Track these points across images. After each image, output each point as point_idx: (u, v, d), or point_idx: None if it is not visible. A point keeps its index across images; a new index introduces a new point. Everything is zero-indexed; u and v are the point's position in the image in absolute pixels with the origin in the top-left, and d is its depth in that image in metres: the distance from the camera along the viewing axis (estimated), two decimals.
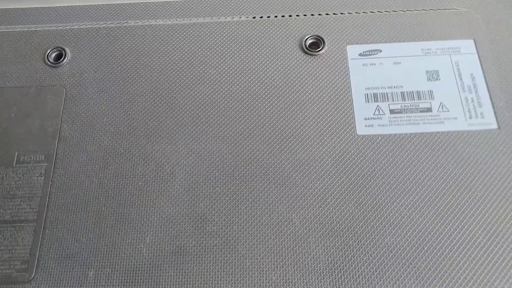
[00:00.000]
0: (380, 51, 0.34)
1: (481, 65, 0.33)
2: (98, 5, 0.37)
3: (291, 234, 0.28)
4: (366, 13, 0.35)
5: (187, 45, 0.35)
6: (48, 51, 0.34)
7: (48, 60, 0.34)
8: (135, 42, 0.35)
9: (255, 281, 0.28)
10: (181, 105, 0.33)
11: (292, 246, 0.28)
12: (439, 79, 0.33)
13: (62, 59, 0.34)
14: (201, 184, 0.30)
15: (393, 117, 0.31)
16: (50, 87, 0.34)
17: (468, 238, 0.28)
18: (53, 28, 0.36)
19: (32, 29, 0.36)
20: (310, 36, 0.34)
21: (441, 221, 0.28)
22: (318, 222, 0.29)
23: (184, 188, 0.30)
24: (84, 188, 0.31)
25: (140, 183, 0.31)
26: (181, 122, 0.32)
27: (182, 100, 0.33)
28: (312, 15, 0.36)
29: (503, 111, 0.31)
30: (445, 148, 0.30)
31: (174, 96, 0.33)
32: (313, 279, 0.27)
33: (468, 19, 0.35)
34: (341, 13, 0.35)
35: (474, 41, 0.34)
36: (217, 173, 0.30)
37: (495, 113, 0.31)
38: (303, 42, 0.34)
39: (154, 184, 0.30)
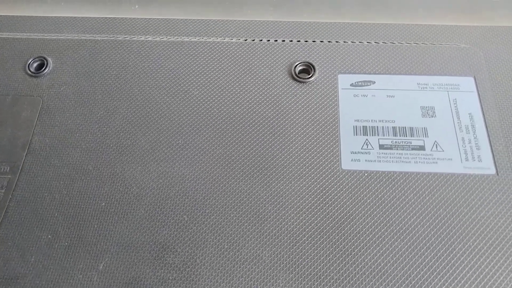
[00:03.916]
0: (374, 82, 0.32)
1: (480, 104, 0.31)
2: (86, 17, 0.36)
3: (259, 273, 0.25)
4: (362, 43, 0.34)
5: (172, 63, 0.33)
6: (30, 61, 0.33)
7: (29, 69, 0.33)
8: (120, 56, 0.34)
9: None
10: (158, 125, 0.31)
11: (259, 287, 0.25)
12: (435, 116, 0.30)
13: (43, 69, 0.33)
14: (168, 210, 0.28)
15: (382, 153, 0.29)
16: (26, 97, 0.32)
17: None
18: (39, 37, 0.35)
19: (18, 36, 0.35)
20: (301, 63, 0.33)
21: (429, 272, 0.25)
22: (291, 263, 0.26)
23: (148, 213, 0.28)
24: (44, 205, 0.28)
25: (103, 204, 0.28)
26: (156, 142, 0.30)
27: (160, 120, 0.31)
28: (305, 41, 0.34)
29: (503, 156, 0.29)
30: (437, 191, 0.28)
31: (152, 114, 0.31)
32: None
33: (469, 56, 0.33)
34: (336, 41, 0.34)
35: (474, 78, 0.32)
36: (186, 200, 0.28)
37: (493, 157, 0.29)
38: (293, 68, 0.32)
39: (117, 206, 0.28)
